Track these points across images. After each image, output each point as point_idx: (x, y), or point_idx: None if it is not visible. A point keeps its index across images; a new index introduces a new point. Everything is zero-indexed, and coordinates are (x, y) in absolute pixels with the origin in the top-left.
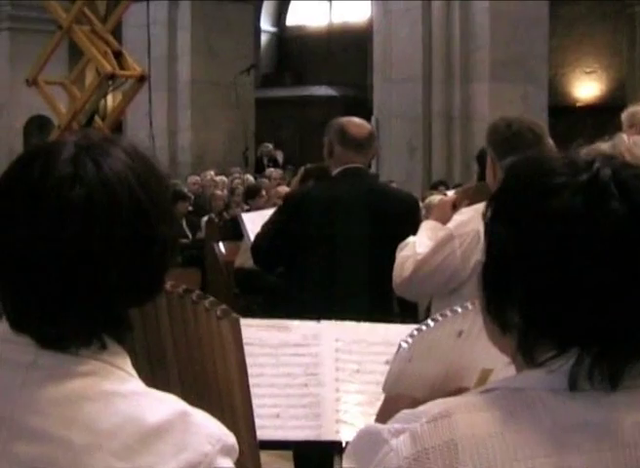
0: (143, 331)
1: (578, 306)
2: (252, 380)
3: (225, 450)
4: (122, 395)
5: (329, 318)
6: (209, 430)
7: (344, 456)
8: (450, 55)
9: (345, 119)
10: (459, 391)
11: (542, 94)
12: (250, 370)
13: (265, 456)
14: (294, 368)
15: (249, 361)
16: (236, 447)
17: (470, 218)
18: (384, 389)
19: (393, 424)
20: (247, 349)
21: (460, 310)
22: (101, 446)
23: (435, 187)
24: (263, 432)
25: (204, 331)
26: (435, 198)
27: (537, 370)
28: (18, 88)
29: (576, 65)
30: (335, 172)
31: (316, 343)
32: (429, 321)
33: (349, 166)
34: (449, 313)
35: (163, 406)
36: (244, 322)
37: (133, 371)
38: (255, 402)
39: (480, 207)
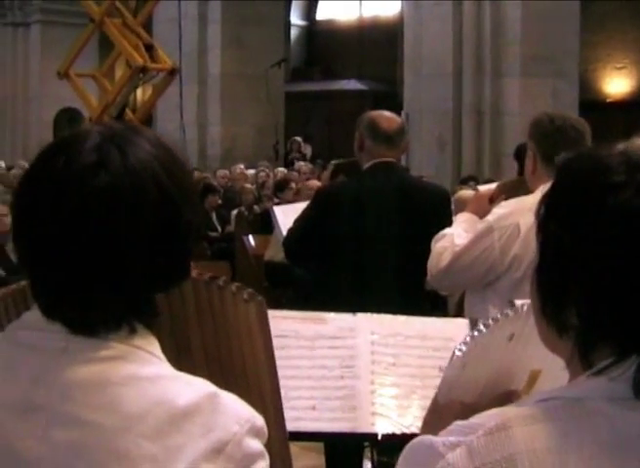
0: (170, 318)
1: (637, 307)
2: (288, 372)
3: (254, 432)
4: (150, 379)
5: (361, 312)
6: (237, 411)
7: None
8: (480, 49)
9: (376, 113)
10: (508, 394)
11: (573, 89)
12: (285, 363)
13: (296, 448)
14: (330, 360)
15: (284, 353)
16: (265, 429)
17: (511, 212)
18: (438, 397)
19: (448, 437)
20: (282, 341)
21: (510, 313)
22: (131, 428)
23: (465, 182)
24: (299, 424)
25: (231, 315)
26: (465, 193)
27: (596, 378)
28: (49, 80)
29: (606, 61)
30: (365, 166)
31: (352, 336)
32: (481, 326)
33: (380, 160)
34: (500, 316)
35: (191, 388)
36: (279, 314)
37: (162, 355)
38: (291, 394)
39: (520, 201)
